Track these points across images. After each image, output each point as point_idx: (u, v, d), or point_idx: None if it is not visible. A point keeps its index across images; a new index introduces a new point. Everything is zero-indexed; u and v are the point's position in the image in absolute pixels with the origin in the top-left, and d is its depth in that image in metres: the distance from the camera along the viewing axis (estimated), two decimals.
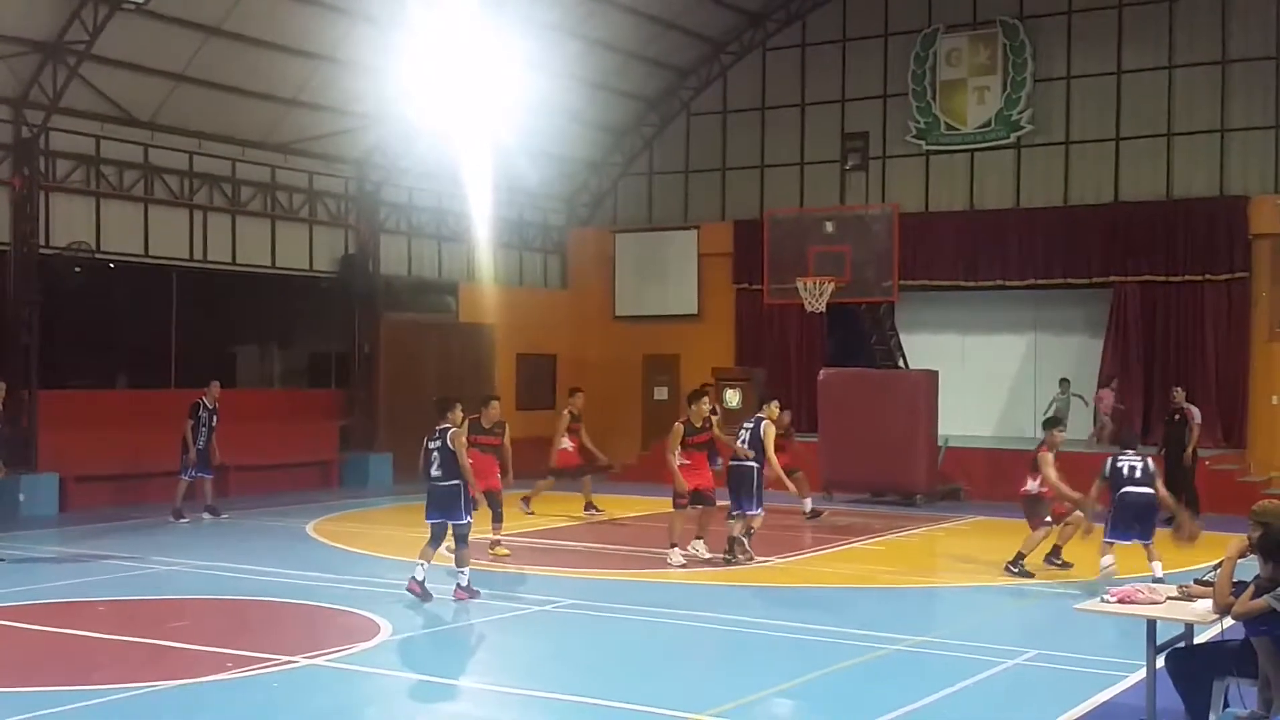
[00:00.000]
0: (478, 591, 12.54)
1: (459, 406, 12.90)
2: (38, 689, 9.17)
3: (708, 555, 14.93)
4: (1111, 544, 13.80)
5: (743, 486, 14.79)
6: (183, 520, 18.25)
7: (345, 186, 24.78)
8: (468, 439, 14.89)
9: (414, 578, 12.43)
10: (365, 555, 15.73)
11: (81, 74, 19.67)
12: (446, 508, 12.54)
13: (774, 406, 15.60)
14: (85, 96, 20.18)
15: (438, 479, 12.55)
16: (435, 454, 12.56)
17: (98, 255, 20.60)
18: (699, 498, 14.94)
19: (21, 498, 18.97)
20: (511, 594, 13.13)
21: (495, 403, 15.74)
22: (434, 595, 12.35)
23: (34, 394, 19.62)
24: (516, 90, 23.18)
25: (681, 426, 15.00)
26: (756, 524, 15.12)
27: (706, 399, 15.36)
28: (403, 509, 21.05)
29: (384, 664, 10.07)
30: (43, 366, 19.81)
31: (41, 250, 19.82)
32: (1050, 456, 14.25)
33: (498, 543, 15.25)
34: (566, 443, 19.24)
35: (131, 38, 19.83)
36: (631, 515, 19.71)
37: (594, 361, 28.76)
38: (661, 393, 28.50)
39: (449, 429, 12.58)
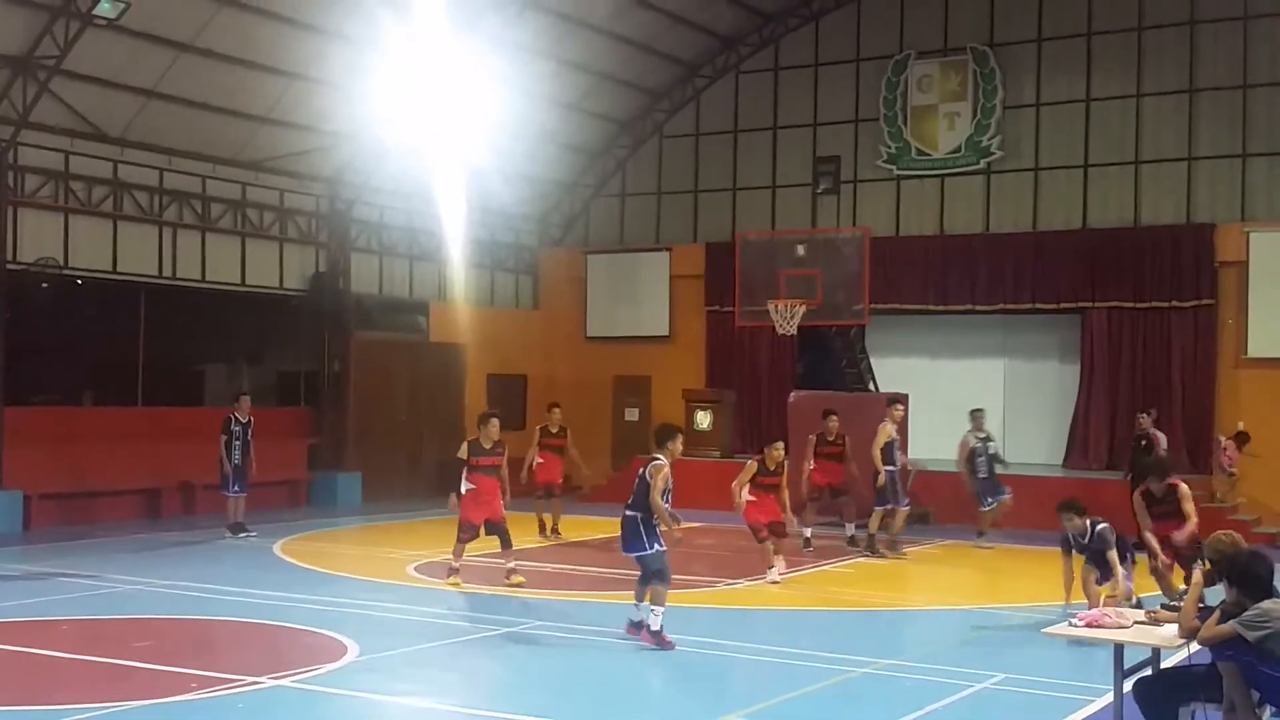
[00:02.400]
0: (669, 642, 11.30)
1: (680, 438, 11.97)
2: None
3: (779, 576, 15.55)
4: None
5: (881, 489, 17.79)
6: (250, 533, 18.40)
7: (316, 204, 24.72)
8: (467, 461, 14.62)
9: (630, 620, 11.71)
10: (333, 575, 15.62)
11: (52, 89, 19.55)
12: (626, 538, 11.74)
13: (898, 409, 18.18)
14: (55, 111, 20.07)
15: (626, 507, 11.81)
16: (635, 482, 11.76)
17: (65, 271, 20.47)
18: (776, 529, 15.71)
19: None
20: (480, 615, 13.08)
21: (495, 420, 14.99)
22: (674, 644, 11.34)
23: None
24: (489, 110, 23.19)
25: (756, 465, 15.67)
26: (898, 520, 18.23)
27: (781, 444, 16.04)
28: (371, 529, 20.99)
29: (351, 685, 9.99)
30: (8, 383, 19.63)
31: (9, 265, 19.67)
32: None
33: (514, 570, 14.70)
34: (538, 459, 19.30)
35: (103, 53, 19.76)
36: (601, 537, 19.66)
37: (565, 382, 28.72)
38: (632, 414, 28.49)
39: (658, 459, 11.67)
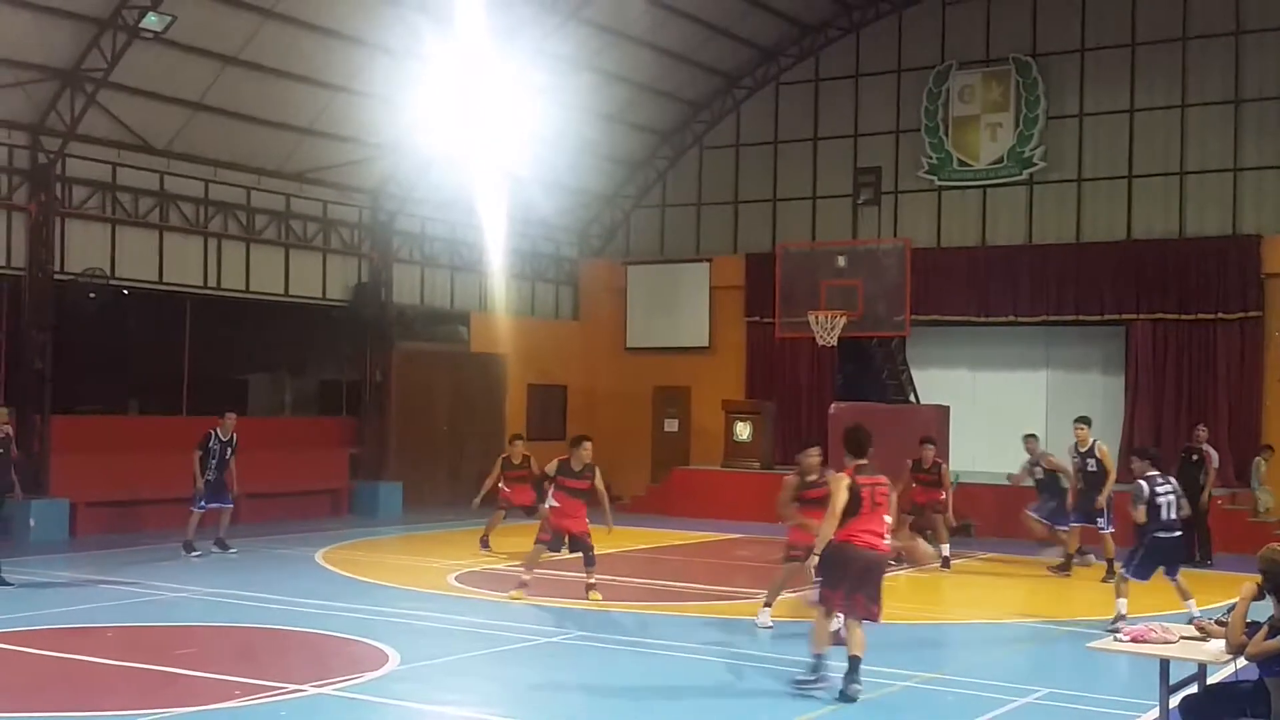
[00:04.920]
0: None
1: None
2: (44, 714, 9.17)
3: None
4: (1128, 582, 13.03)
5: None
6: (194, 554, 17.60)
7: (359, 215, 24.88)
8: (556, 481, 14.49)
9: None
10: (374, 584, 15.70)
11: (99, 101, 19.81)
12: None
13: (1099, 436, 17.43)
14: (102, 124, 20.32)
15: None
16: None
17: (112, 281, 20.68)
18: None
19: (32, 522, 18.96)
20: (521, 625, 13.09)
21: (588, 444, 14.73)
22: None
23: (46, 419, 19.69)
24: (530, 122, 23.30)
25: (796, 480, 13.22)
26: (1067, 540, 17.42)
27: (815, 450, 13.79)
28: (412, 538, 21.07)
29: (392, 694, 10.03)
30: (55, 392, 19.88)
31: (56, 276, 19.93)
32: None
33: (593, 587, 14.57)
34: (503, 485, 18.63)
35: (149, 66, 19.98)
36: (642, 548, 19.65)
37: (604, 393, 28.79)
38: (672, 425, 28.50)
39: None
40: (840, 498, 10.09)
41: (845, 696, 9.84)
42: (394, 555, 18.82)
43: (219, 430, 18.05)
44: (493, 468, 19.10)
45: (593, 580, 14.58)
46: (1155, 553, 12.88)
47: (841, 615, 10.50)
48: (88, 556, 17.60)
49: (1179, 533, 13.11)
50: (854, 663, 9.96)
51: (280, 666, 10.89)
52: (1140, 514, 12.84)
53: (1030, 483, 18.68)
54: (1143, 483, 12.99)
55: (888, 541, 10.40)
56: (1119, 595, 13.05)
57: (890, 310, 23.68)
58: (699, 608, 14.47)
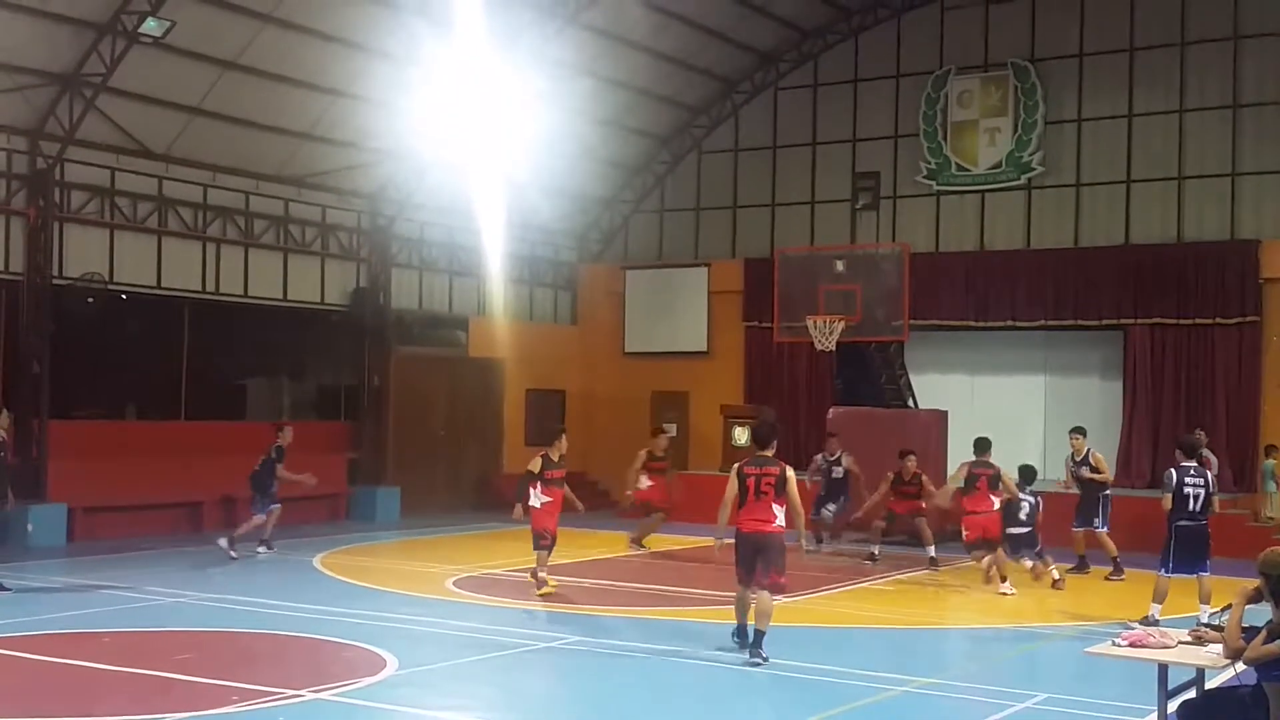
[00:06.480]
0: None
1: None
2: None
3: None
4: (1168, 579, 13.40)
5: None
6: (261, 550, 18.20)
7: (358, 220, 24.88)
8: (540, 474, 14.90)
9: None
10: (372, 589, 15.68)
11: (98, 106, 19.80)
12: None
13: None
14: (101, 128, 20.32)
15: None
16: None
17: (110, 286, 20.68)
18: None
19: (30, 527, 18.94)
20: (520, 630, 13.09)
21: (564, 435, 15.54)
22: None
23: (44, 424, 19.66)
24: (529, 126, 23.31)
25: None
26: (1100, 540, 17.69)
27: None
28: (410, 543, 21.05)
29: (390, 699, 10.02)
30: (53, 396, 19.86)
31: (55, 281, 19.92)
32: None
33: (547, 580, 15.11)
34: (646, 481, 19.29)
35: (148, 71, 19.98)
36: (640, 552, 19.63)
37: (603, 397, 28.78)
38: (670, 429, 28.42)
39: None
40: (730, 486, 11.64)
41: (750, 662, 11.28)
42: (392, 560, 18.81)
43: (282, 443, 18.53)
44: (634, 461, 19.53)
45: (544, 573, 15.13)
46: (1180, 542, 13.23)
47: None
48: (85, 561, 17.59)
49: (1203, 522, 13.43)
50: (756, 637, 11.45)
51: (278, 672, 10.88)
52: (1166, 501, 13.36)
53: (818, 478, 20.03)
54: (1173, 470, 13.52)
55: (779, 523, 11.57)
56: (1155, 599, 13.36)
57: (889, 315, 23.67)
58: (697, 613, 14.46)
